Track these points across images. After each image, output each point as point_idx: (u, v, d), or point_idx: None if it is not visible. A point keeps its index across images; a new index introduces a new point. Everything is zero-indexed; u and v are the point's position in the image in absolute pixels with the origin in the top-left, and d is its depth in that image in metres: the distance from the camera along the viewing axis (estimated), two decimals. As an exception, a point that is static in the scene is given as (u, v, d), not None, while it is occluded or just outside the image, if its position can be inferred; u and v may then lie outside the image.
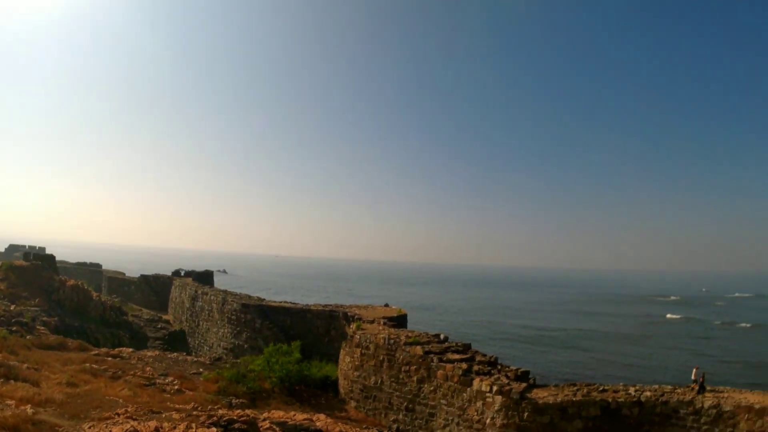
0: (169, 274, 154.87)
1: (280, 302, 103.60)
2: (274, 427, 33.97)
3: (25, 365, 44.92)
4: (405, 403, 56.26)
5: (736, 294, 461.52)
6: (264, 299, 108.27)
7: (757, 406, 46.06)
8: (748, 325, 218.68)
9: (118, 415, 31.46)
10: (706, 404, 47.12)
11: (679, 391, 50.81)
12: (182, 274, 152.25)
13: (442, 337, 65.10)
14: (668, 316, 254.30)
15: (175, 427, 27.92)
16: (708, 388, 50.93)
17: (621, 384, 54.24)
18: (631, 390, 50.52)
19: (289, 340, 74.46)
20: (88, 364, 52.56)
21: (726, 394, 49.72)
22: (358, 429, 41.00)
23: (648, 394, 49.10)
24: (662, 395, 48.91)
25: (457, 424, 50.79)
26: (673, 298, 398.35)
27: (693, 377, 52.84)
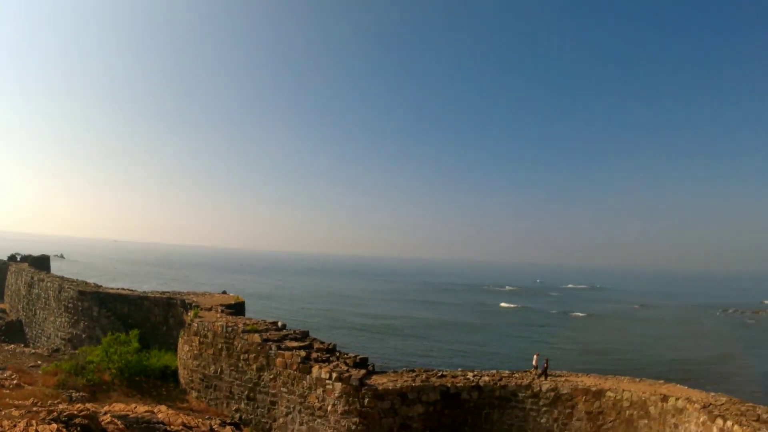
0: (5, 259, 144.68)
1: (118, 289, 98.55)
2: (116, 420, 32.45)
3: None
4: (246, 392, 54.75)
5: (569, 285, 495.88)
6: (101, 286, 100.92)
7: (594, 389, 48.02)
8: (582, 315, 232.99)
9: (-47, 416, 29.64)
10: (544, 387, 48.27)
11: (517, 375, 51.96)
12: (18, 259, 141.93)
13: (280, 324, 64.02)
14: (502, 305, 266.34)
15: (15, 425, 26.03)
16: (550, 373, 53.36)
17: (459, 369, 54.84)
18: (470, 375, 51.29)
19: (128, 329, 71.71)
20: None
21: (564, 378, 51.70)
22: (200, 419, 39.87)
23: (486, 378, 49.88)
24: (500, 380, 49.78)
25: (299, 411, 49.83)
26: (508, 288, 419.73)
27: (534, 363, 54.11)
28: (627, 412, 47.35)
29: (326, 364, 50.10)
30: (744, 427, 38.83)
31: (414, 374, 51.05)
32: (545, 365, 52.65)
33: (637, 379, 52.86)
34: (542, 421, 48.17)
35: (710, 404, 44.16)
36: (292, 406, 50.81)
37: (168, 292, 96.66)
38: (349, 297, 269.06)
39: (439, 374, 51.48)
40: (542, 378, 51.46)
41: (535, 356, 55.23)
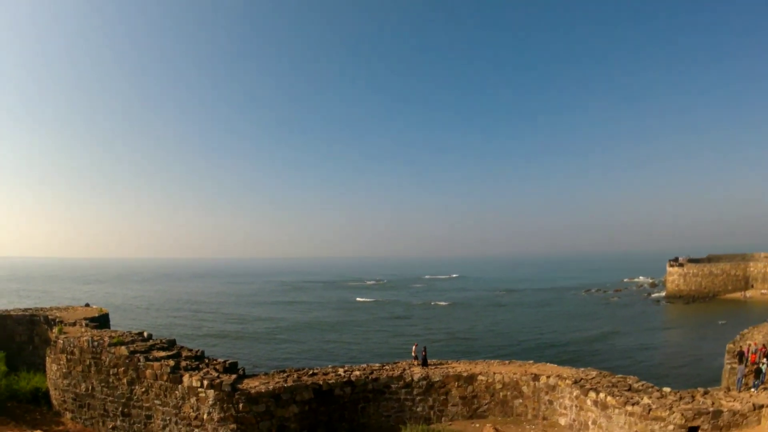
0: None
1: None
2: None
3: None
4: (120, 408, 52.72)
5: (428, 276, 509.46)
6: None
7: (465, 374, 49.54)
8: (445, 303, 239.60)
9: None
10: (416, 377, 49.15)
11: (387, 367, 52.71)
12: None
13: (146, 335, 62.82)
14: (361, 299, 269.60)
15: None
16: (429, 362, 54.79)
17: (330, 366, 55.11)
18: (341, 371, 51.75)
19: None
20: None
21: (444, 366, 53.56)
22: None
23: (358, 373, 50.52)
24: (372, 373, 50.49)
25: (176, 423, 48.38)
26: (368, 282, 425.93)
27: (413, 353, 55.58)
28: (501, 393, 49.45)
29: (196, 372, 49.02)
30: (617, 397, 41.34)
31: (285, 375, 50.75)
32: (424, 353, 54.12)
33: (507, 362, 54.99)
34: (418, 409, 49.38)
35: (581, 379, 46.74)
36: (168, 418, 49.52)
37: (30, 308, 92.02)
38: (207, 302, 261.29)
39: (310, 372, 51.39)
40: (423, 367, 52.78)
41: (414, 346, 56.51)
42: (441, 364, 54.90)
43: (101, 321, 76.39)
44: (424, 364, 53.59)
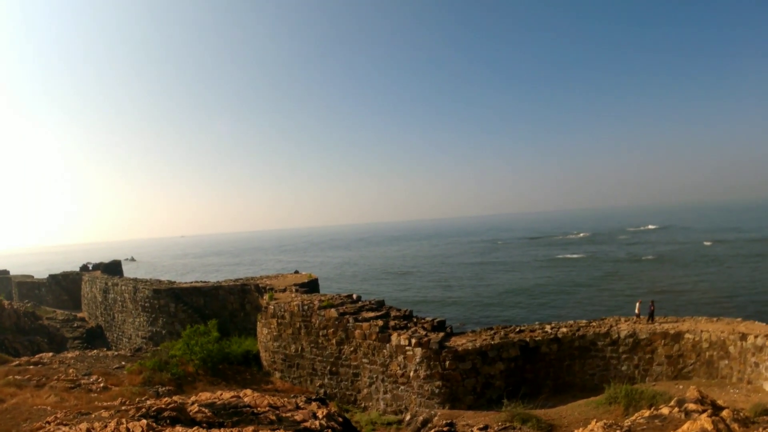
0: (78, 270, 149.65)
1: (191, 283, 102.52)
2: (203, 409, 34.17)
3: (-56, 386, 43.93)
4: (328, 367, 57.45)
5: (630, 228, 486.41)
6: (175, 282, 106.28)
7: (672, 332, 48.98)
8: (652, 257, 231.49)
9: (49, 423, 30.96)
10: (623, 334, 49.68)
11: (594, 324, 53.75)
12: (90, 268, 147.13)
13: (355, 297, 66.32)
14: (563, 255, 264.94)
15: (105, 426, 27.10)
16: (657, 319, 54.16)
17: (537, 323, 56.70)
18: (548, 328, 53.18)
19: (205, 320, 74.61)
20: (11, 377, 51.35)
21: (671, 321, 53.17)
22: (285, 399, 42.04)
23: (564, 330, 51.60)
24: (578, 330, 51.42)
25: (382, 380, 52.31)
26: (572, 236, 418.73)
27: (636, 311, 55.72)
28: (707, 353, 48.02)
29: (404, 331, 52.43)
30: None
31: (492, 332, 53.16)
32: (651, 308, 54.20)
33: (714, 319, 53.26)
34: (623, 368, 49.29)
35: None
36: (374, 375, 53.23)
37: (241, 279, 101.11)
38: (409, 265, 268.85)
39: (517, 330, 53.49)
40: (650, 322, 52.84)
41: (637, 303, 56.62)
42: (666, 320, 53.60)
43: (311, 286, 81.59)
44: (650, 319, 53.48)
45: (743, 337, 46.55)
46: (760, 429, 21.35)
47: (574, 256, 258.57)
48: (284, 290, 74.28)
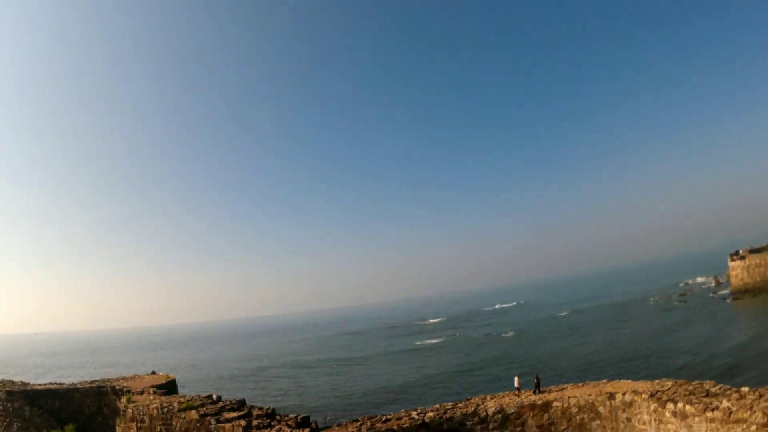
0: None
1: (46, 385, 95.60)
2: None
3: None
4: (193, 472, 54.30)
5: (496, 306, 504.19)
6: (28, 383, 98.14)
7: (539, 402, 49.43)
8: (512, 333, 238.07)
9: None
10: (490, 411, 49.06)
11: (461, 405, 52.87)
12: None
13: (215, 397, 63.97)
14: (420, 342, 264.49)
15: None
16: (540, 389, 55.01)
17: (403, 410, 55.36)
18: (414, 414, 51.99)
19: (62, 425, 71.42)
20: None
21: (555, 389, 54.28)
22: None
23: (431, 414, 50.72)
24: (445, 412, 50.57)
25: (248, 483, 49.77)
26: (432, 321, 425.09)
27: (516, 385, 56.61)
28: (577, 417, 49.18)
29: (268, 429, 49.87)
30: (695, 405, 41.01)
31: (359, 423, 51.31)
32: (536, 380, 55.29)
33: (581, 384, 54.87)
34: (496, 444, 49.11)
35: (657, 391, 46.20)
36: (242, 480, 50.75)
37: (97, 380, 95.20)
38: (268, 360, 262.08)
39: (384, 419, 51.83)
40: (536, 392, 53.65)
41: (516, 378, 57.59)
42: (551, 389, 54.92)
43: (169, 387, 78.68)
44: (537, 389, 54.16)
45: (611, 396, 48.35)
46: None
47: (434, 341, 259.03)
48: (142, 392, 71.18)
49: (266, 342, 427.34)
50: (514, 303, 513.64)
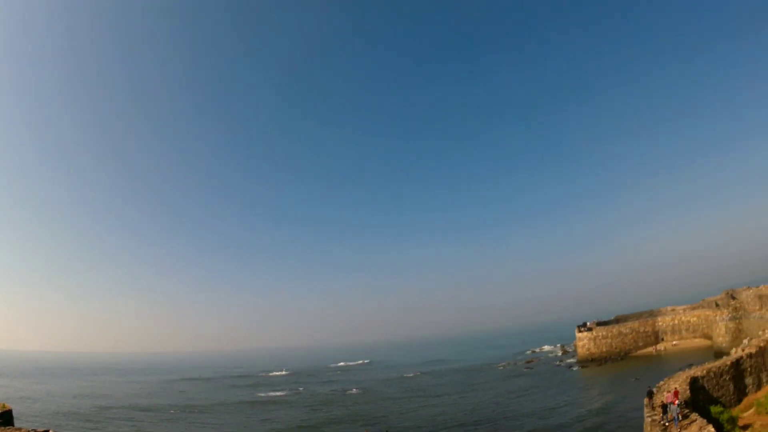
0: None
1: None
2: None
3: None
4: None
5: (341, 363, 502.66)
6: None
7: None
8: (357, 391, 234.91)
9: None
10: None
11: None
12: None
13: None
14: (263, 394, 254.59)
15: None
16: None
17: None
18: None
19: None
20: None
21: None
22: None
23: None
24: None
25: None
26: (275, 373, 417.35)
27: None
28: None
29: None
30: None
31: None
32: None
33: None
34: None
35: None
36: None
37: None
38: (106, 396, 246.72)
39: None
40: None
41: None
42: None
43: (5, 418, 74.50)
44: None
45: None
46: None
47: (279, 393, 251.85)
48: (-28, 424, 64.71)
49: (109, 380, 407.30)
50: (361, 361, 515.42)
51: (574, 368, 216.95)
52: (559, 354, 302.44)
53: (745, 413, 72.76)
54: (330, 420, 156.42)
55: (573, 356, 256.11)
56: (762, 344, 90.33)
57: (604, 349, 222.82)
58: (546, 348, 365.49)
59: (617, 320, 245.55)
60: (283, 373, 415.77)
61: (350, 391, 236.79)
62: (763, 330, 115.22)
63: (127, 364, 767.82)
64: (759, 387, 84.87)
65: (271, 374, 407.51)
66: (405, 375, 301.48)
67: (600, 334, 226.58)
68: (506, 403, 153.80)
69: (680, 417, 54.57)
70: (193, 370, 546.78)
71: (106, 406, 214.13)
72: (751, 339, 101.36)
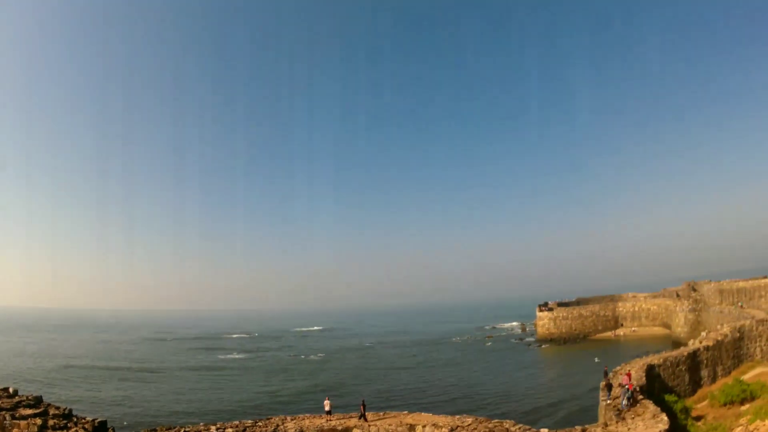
0: None
1: None
2: None
3: None
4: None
5: (295, 329, 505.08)
6: None
7: (340, 428, 49.76)
8: (320, 357, 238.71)
9: None
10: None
11: (260, 423, 52.15)
12: None
13: (11, 390, 61.10)
14: (224, 356, 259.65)
15: None
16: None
17: (202, 424, 53.50)
18: (213, 428, 50.32)
19: None
20: None
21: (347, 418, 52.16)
22: None
23: (230, 430, 49.13)
24: (244, 429, 49.37)
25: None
26: (237, 335, 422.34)
27: (327, 408, 56.43)
28: None
29: (64, 430, 48.11)
30: None
31: (155, 434, 49.46)
32: (362, 407, 53.97)
33: (381, 413, 55.90)
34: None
35: (458, 426, 47.21)
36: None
37: None
38: (64, 355, 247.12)
39: (182, 430, 50.40)
40: (362, 420, 52.76)
41: (326, 401, 57.58)
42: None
43: None
44: (363, 417, 53.37)
45: (411, 428, 49.08)
46: None
47: (239, 356, 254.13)
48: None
49: (68, 338, 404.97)
50: (318, 327, 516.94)
51: (533, 347, 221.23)
52: (519, 332, 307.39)
53: (699, 405, 75.46)
54: (291, 384, 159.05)
55: (532, 335, 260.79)
56: (720, 338, 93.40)
57: (564, 330, 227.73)
58: (506, 325, 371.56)
59: (578, 302, 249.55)
60: (244, 335, 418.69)
61: (313, 356, 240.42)
62: (722, 324, 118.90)
63: (85, 320, 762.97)
64: (714, 380, 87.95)
65: (232, 336, 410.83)
66: (364, 344, 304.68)
67: (561, 314, 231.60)
68: (463, 376, 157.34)
69: (627, 401, 53.12)
70: (151, 329, 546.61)
71: (64, 365, 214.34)
72: (709, 332, 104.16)
